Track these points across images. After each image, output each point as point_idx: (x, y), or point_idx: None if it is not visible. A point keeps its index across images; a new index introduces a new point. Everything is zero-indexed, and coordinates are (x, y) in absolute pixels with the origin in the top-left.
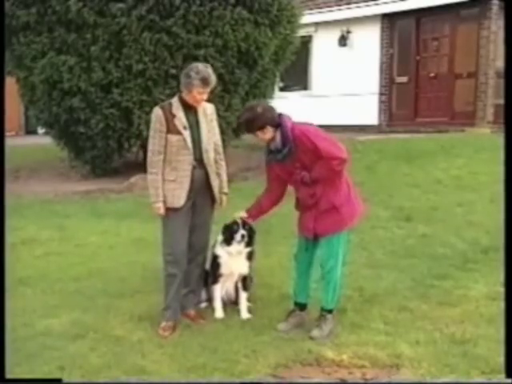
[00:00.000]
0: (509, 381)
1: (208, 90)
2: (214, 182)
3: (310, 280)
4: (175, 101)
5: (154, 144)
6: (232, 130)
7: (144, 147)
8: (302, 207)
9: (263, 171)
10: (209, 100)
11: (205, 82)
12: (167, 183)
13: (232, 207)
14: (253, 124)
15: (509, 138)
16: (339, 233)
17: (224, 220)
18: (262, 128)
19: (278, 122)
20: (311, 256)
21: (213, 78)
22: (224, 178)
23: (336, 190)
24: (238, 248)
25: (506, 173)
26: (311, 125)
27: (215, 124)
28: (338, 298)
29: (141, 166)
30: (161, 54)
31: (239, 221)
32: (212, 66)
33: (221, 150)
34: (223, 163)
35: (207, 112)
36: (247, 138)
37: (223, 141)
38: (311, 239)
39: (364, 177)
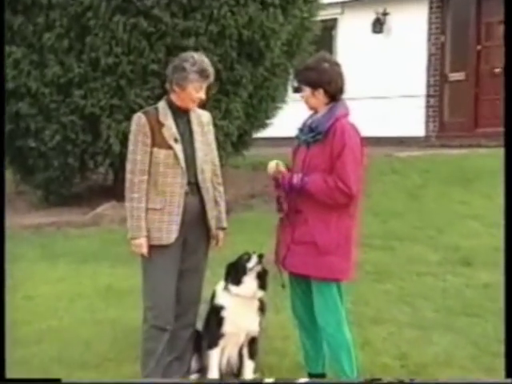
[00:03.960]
0: (509, 381)
1: (206, 85)
2: (212, 213)
3: (323, 340)
4: (162, 105)
5: (134, 162)
6: (231, 143)
7: (114, 166)
8: (282, 221)
9: (272, 198)
10: (201, 105)
11: (204, 74)
12: (152, 213)
13: (231, 247)
14: (308, 75)
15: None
16: (327, 282)
17: (220, 264)
18: (314, 86)
19: (335, 95)
20: (312, 302)
21: (212, 70)
22: (222, 207)
23: (328, 226)
24: (251, 288)
25: None
26: (359, 135)
27: (212, 137)
28: (357, 367)
29: (110, 192)
30: (137, 45)
31: (250, 251)
32: None
33: (219, 171)
34: (221, 188)
35: (203, 121)
36: (251, 154)
37: (220, 158)
38: (304, 278)
39: (404, 206)
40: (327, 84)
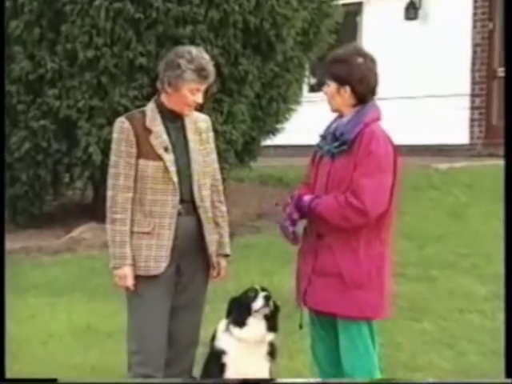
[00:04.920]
0: (509, 381)
1: (204, 86)
2: (211, 237)
3: None
4: (151, 108)
5: (117, 176)
6: (235, 153)
7: (94, 181)
8: (302, 247)
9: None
10: (197, 107)
11: (202, 73)
12: (138, 237)
13: (235, 277)
14: (336, 67)
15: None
16: (356, 321)
17: (221, 298)
18: (341, 81)
19: (364, 96)
20: (337, 345)
21: (212, 70)
22: (225, 230)
23: (356, 254)
24: (257, 331)
25: None
26: (392, 144)
27: (212, 146)
28: None
29: (89, 211)
30: (122, 34)
31: (257, 287)
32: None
33: (220, 186)
34: (223, 207)
35: (200, 127)
36: (259, 165)
37: (221, 171)
38: (327, 316)
39: (445, 228)
40: (357, 82)
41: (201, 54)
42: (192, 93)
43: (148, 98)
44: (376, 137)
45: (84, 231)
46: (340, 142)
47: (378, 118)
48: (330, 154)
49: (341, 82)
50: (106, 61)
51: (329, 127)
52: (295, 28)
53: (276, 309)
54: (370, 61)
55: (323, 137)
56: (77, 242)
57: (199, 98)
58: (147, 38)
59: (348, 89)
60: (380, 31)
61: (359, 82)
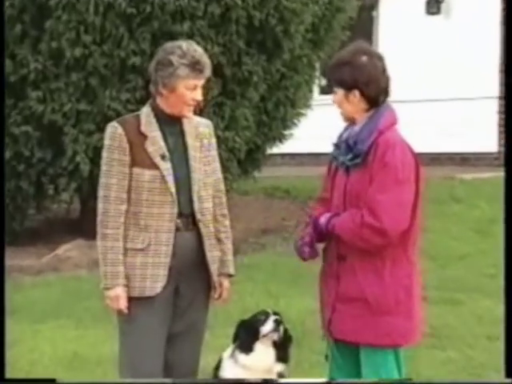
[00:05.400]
0: (509, 381)
1: (202, 81)
2: (213, 254)
3: None
4: (146, 112)
5: (108, 186)
6: (238, 162)
7: (82, 193)
8: (324, 270)
9: (292, 234)
10: (197, 111)
11: (197, 66)
12: (132, 254)
13: (238, 300)
14: (340, 71)
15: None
16: (382, 349)
17: (224, 323)
18: (347, 87)
19: (376, 99)
20: (357, 375)
21: (207, 62)
22: (228, 247)
23: (381, 276)
24: (265, 358)
25: None
26: (413, 153)
27: (215, 154)
28: None
29: (76, 227)
30: (113, 31)
31: (269, 310)
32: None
33: (223, 198)
34: (227, 222)
35: (201, 132)
36: (264, 176)
37: (223, 181)
38: (347, 343)
39: (471, 245)
40: (364, 84)
41: (192, 47)
42: (189, 89)
43: (142, 102)
44: (391, 146)
45: (70, 249)
46: (353, 155)
47: (393, 123)
48: (344, 166)
49: (347, 86)
50: (95, 60)
51: (341, 135)
52: (304, 24)
53: (289, 338)
54: (376, 59)
55: (337, 146)
56: (62, 261)
57: (198, 95)
58: (141, 35)
59: (357, 93)
60: (398, 27)
61: (367, 84)
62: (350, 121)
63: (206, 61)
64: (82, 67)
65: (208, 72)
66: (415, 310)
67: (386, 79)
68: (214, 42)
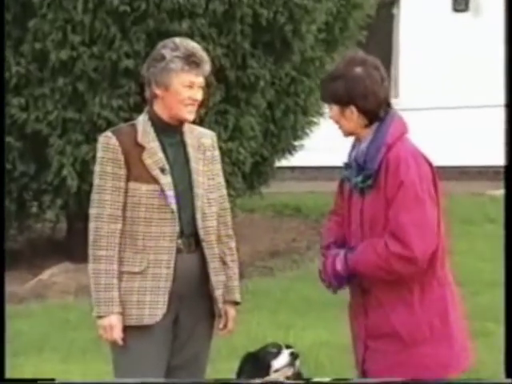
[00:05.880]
0: (509, 381)
1: (200, 78)
2: (217, 279)
3: None
4: (142, 121)
5: (102, 203)
6: (242, 176)
7: (69, 210)
8: (351, 302)
9: (303, 256)
10: (196, 121)
11: (191, 59)
12: (128, 278)
13: (245, 331)
14: (333, 87)
15: None
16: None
17: (228, 356)
18: (342, 103)
19: (375, 113)
20: None
21: (204, 56)
22: (234, 272)
23: (411, 306)
24: None
25: None
26: (429, 164)
27: (219, 167)
28: None
29: (63, 248)
30: (104, 31)
31: (281, 343)
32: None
33: (229, 217)
34: (232, 243)
35: (204, 143)
36: (272, 191)
37: (227, 198)
38: None
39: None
40: (361, 98)
41: (186, 41)
42: (185, 86)
43: (136, 109)
44: (403, 160)
45: (56, 274)
46: (364, 176)
47: (402, 133)
48: (358, 188)
49: (342, 102)
50: (84, 63)
51: (350, 153)
52: (316, 23)
53: (299, 377)
54: (372, 68)
55: (347, 165)
56: (47, 287)
57: (197, 94)
58: (134, 36)
59: (353, 109)
60: (422, 26)
61: (364, 97)
62: (352, 136)
63: (202, 55)
64: (69, 71)
65: (206, 68)
66: (456, 334)
67: (385, 90)
68: (216, 43)
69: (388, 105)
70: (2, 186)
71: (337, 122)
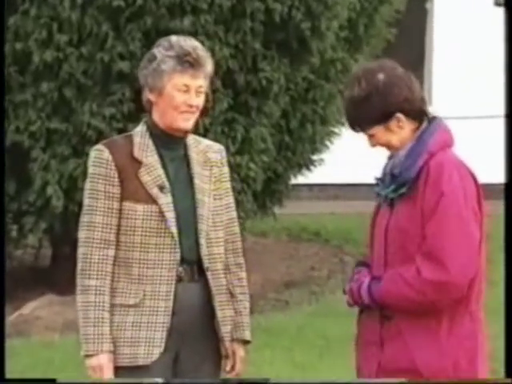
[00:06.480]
0: (509, 381)
1: (199, 82)
2: (223, 313)
3: None
4: (140, 132)
5: (92, 225)
6: (253, 194)
7: (54, 235)
8: (362, 334)
9: (322, 288)
10: (200, 131)
11: (185, 58)
12: (122, 312)
13: (256, 371)
14: (365, 110)
15: None
16: None
17: None
18: (384, 118)
19: (421, 111)
20: None
21: (203, 55)
22: (244, 306)
23: (436, 339)
24: None
25: None
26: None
27: (228, 186)
28: None
29: (46, 278)
30: (95, 29)
31: None
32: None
33: (239, 242)
34: (242, 273)
35: (210, 157)
36: (287, 212)
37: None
38: None
39: None
40: (402, 99)
41: (185, 39)
42: (180, 90)
43: (130, 118)
44: (447, 169)
45: (39, 307)
46: (397, 184)
47: (448, 144)
48: (388, 200)
49: (385, 118)
50: (72, 65)
51: (385, 167)
52: (338, 19)
53: None
54: (389, 68)
55: (380, 180)
56: (29, 322)
57: (193, 99)
58: (130, 34)
59: (400, 116)
60: (458, 22)
61: (404, 98)
62: (395, 148)
63: (200, 54)
64: (54, 74)
65: (206, 70)
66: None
67: (416, 83)
68: (223, 43)
69: (425, 107)
70: (2, 188)
71: (386, 142)
